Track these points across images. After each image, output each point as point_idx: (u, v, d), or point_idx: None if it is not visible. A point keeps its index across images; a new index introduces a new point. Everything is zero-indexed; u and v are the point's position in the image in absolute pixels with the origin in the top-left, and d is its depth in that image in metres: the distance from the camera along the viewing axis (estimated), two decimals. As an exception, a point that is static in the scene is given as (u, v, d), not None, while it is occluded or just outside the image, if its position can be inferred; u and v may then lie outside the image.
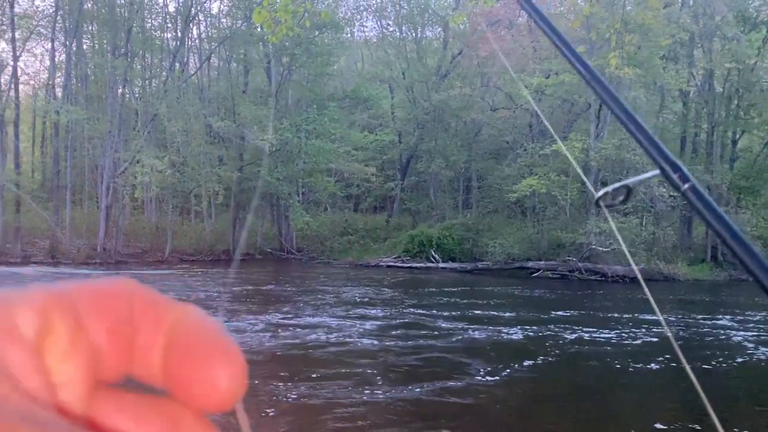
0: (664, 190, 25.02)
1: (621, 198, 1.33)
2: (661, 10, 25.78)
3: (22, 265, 22.36)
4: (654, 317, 13.31)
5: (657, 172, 1.31)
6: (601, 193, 1.31)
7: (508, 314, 13.02)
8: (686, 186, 1.27)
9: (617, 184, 1.33)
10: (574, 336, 10.56)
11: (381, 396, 6.63)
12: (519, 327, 11.32)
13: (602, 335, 10.76)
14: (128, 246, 27.43)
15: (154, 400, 0.24)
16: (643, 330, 11.51)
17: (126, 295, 0.24)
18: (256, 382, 6.84)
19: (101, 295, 0.24)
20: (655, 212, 26.16)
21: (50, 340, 0.22)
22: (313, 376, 7.32)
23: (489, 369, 7.95)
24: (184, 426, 0.23)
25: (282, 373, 7.36)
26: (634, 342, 10.28)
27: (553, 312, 13.57)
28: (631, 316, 13.41)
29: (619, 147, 25.04)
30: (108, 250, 26.04)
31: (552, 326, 11.61)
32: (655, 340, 10.58)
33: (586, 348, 9.66)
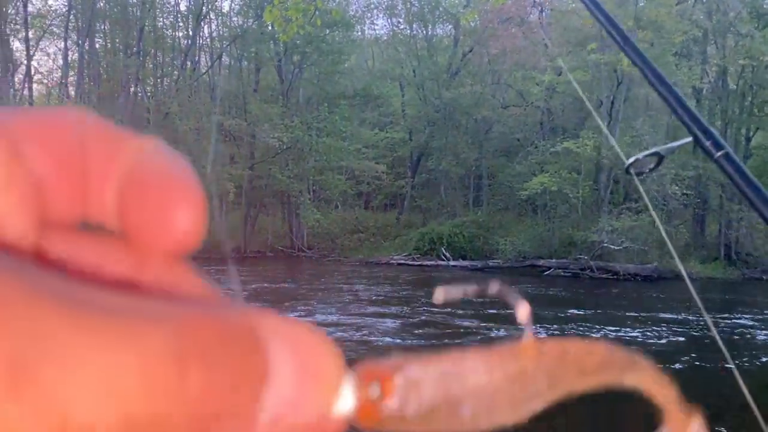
0: (677, 187, 24.86)
1: (651, 166, 1.32)
2: (674, 7, 25.62)
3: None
4: (672, 315, 13.20)
5: (689, 139, 1.29)
6: (632, 160, 1.31)
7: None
8: (719, 153, 1.24)
9: (648, 151, 1.31)
10: (596, 335, 10.46)
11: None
12: (537, 325, 11.24)
13: (625, 334, 10.65)
14: (140, 244, 27.55)
15: (116, 240, 0.22)
16: (664, 328, 11.43)
17: (75, 124, 0.22)
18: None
19: (45, 123, 0.21)
20: (668, 210, 25.97)
21: None
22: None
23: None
24: (155, 265, 0.22)
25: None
26: (658, 341, 10.19)
27: (569, 310, 13.49)
28: (648, 314, 13.32)
29: (631, 144, 24.87)
30: (120, 248, 26.17)
31: (569, 325, 11.54)
32: (678, 339, 10.49)
33: None
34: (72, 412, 0.15)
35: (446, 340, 9.66)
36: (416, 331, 10.51)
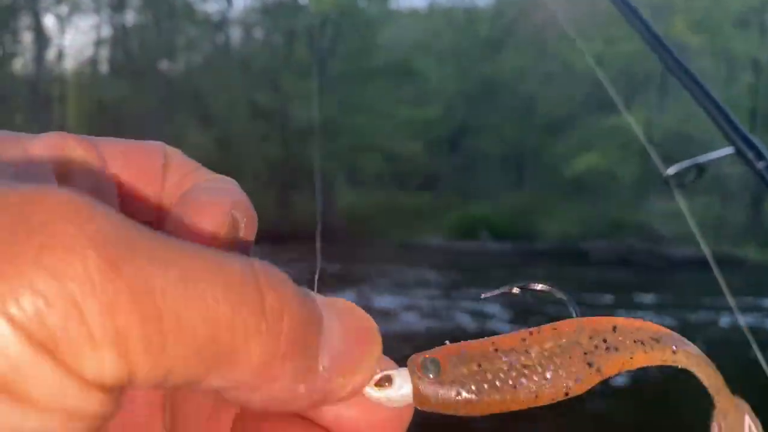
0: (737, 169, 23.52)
1: (691, 177, 1.41)
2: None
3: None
4: (724, 303, 12.21)
5: (731, 149, 1.37)
6: (669, 171, 1.42)
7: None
8: (762, 165, 1.32)
9: (687, 162, 1.41)
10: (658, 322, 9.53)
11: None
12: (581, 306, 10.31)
13: (677, 321, 9.75)
14: (172, 223, 27.36)
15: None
16: (715, 316, 10.50)
17: (158, 152, 0.26)
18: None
19: (134, 150, 0.26)
20: (723, 192, 24.59)
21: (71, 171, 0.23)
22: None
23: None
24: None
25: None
26: (711, 328, 9.28)
27: (617, 295, 12.58)
28: (701, 300, 12.30)
29: (683, 120, 23.60)
30: (152, 228, 25.97)
31: (617, 311, 10.59)
32: (729, 326, 9.54)
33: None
34: (165, 302, 0.18)
35: (484, 323, 8.83)
36: (453, 316, 9.81)
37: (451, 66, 35.58)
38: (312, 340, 0.21)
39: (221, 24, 29.85)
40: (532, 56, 29.82)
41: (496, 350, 0.25)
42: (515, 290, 0.28)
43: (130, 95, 25.97)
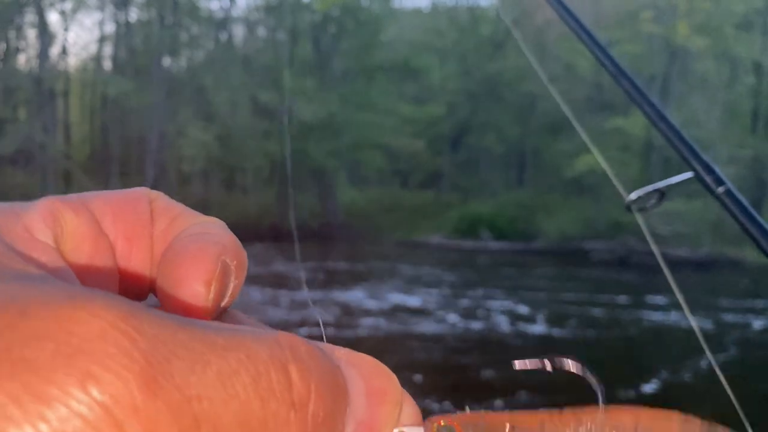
0: (732, 168, 23.61)
1: (653, 202, 1.28)
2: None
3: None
4: (722, 302, 12.38)
5: (690, 174, 1.28)
6: (631, 196, 1.29)
7: (569, 297, 12.15)
8: (721, 189, 1.23)
9: (649, 188, 1.30)
10: (643, 321, 9.68)
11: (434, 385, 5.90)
12: (581, 308, 10.45)
13: (673, 321, 9.88)
14: (174, 219, 27.45)
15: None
16: (714, 315, 10.61)
17: (143, 201, 0.26)
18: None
19: (118, 200, 0.25)
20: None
21: (65, 238, 0.23)
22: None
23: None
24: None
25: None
26: (706, 327, 9.37)
27: (615, 295, 12.68)
28: (699, 301, 12.40)
29: (685, 122, 23.70)
30: (154, 223, 26.08)
31: (615, 311, 10.80)
32: (727, 325, 9.65)
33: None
34: (202, 410, 0.18)
35: (485, 324, 9.00)
36: (454, 315, 9.92)
37: (453, 65, 35.66)
38: (339, 415, 0.21)
39: (224, 21, 29.97)
40: (533, 56, 29.85)
41: (513, 428, 0.24)
42: (548, 367, 0.27)
43: (132, 91, 26.09)
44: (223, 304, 0.27)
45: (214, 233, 0.27)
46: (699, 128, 23.77)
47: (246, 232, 28.77)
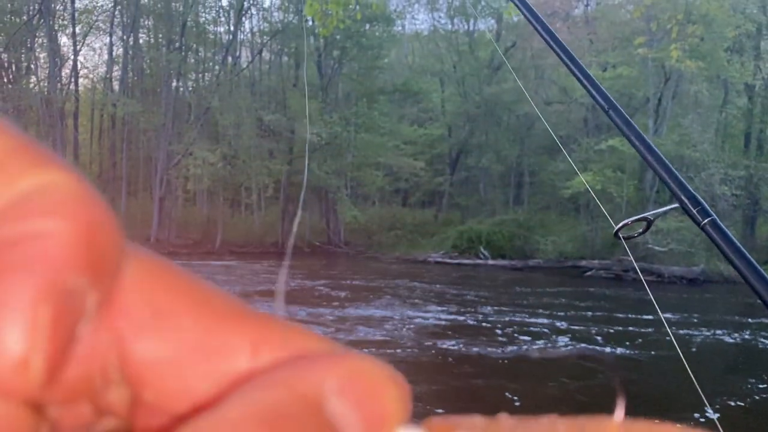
0: (726, 188, 24.01)
1: (640, 230, 1.33)
2: (727, 0, 24.69)
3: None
4: (718, 319, 12.67)
5: (676, 205, 1.31)
6: (620, 225, 1.31)
7: (571, 315, 12.57)
8: (706, 221, 1.25)
9: (636, 217, 1.32)
10: (640, 338, 10.05)
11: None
12: (579, 325, 10.88)
13: (669, 337, 10.24)
14: (180, 237, 27.93)
15: None
16: (710, 332, 10.97)
17: None
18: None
19: None
20: (717, 211, 24.97)
21: None
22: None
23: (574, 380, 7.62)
24: None
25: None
26: (704, 344, 9.77)
27: (612, 313, 13.06)
28: (694, 318, 12.79)
29: (679, 143, 24.15)
30: (161, 241, 26.56)
31: (611, 327, 11.14)
32: (724, 341, 10.04)
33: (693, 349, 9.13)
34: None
35: (486, 341, 9.41)
36: (454, 331, 10.29)
37: (452, 87, 36.29)
38: None
39: (231, 45, 30.69)
40: (531, 79, 30.56)
41: None
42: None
43: (140, 112, 26.72)
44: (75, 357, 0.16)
45: (38, 241, 0.15)
46: (693, 149, 24.15)
47: (251, 249, 29.15)
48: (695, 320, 12.82)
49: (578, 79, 1.66)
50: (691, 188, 1.33)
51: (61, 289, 0.15)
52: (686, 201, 1.31)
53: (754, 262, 1.20)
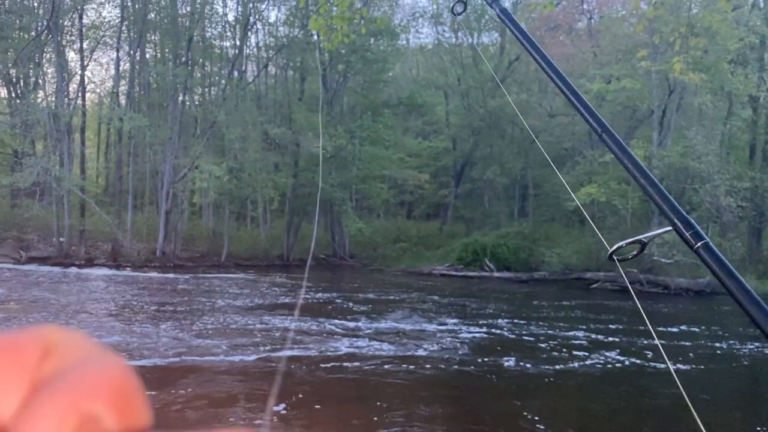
0: (731, 199, 23.96)
1: (634, 252, 1.34)
2: (730, 13, 24.75)
3: (87, 267, 23.09)
4: (724, 331, 12.62)
5: (669, 228, 1.32)
6: (615, 247, 1.32)
7: (577, 326, 12.55)
8: (699, 244, 1.26)
9: (631, 239, 1.33)
10: (646, 351, 10.02)
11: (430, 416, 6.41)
12: (582, 335, 10.87)
13: (676, 350, 10.21)
14: (186, 250, 28.02)
15: None
16: (716, 345, 10.93)
17: (33, 346, 0.22)
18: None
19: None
20: (722, 222, 25.00)
21: None
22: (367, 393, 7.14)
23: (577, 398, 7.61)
24: None
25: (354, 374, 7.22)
26: (711, 358, 9.73)
27: (617, 325, 13.01)
28: (700, 330, 12.74)
29: (683, 155, 24.12)
30: (167, 254, 26.65)
31: (617, 339, 11.11)
32: (731, 353, 10.00)
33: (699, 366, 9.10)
34: None
35: (490, 353, 9.40)
36: (458, 344, 10.27)
37: (457, 100, 36.42)
38: None
39: (236, 59, 30.90)
40: (534, 93, 30.69)
41: None
42: None
43: (147, 126, 26.86)
44: None
45: (87, 374, 0.21)
46: (697, 161, 24.11)
47: (257, 262, 29.14)
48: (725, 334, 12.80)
49: (572, 103, 1.70)
50: (683, 212, 1.35)
51: (91, 410, 0.20)
52: (679, 224, 1.33)
53: (746, 285, 1.22)
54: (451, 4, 2.29)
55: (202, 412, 5.99)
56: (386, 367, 8.28)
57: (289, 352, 9.23)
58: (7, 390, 0.20)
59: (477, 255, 27.09)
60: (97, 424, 0.20)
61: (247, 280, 20.57)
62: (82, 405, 0.20)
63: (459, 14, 2.33)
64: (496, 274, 25.61)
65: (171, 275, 21.25)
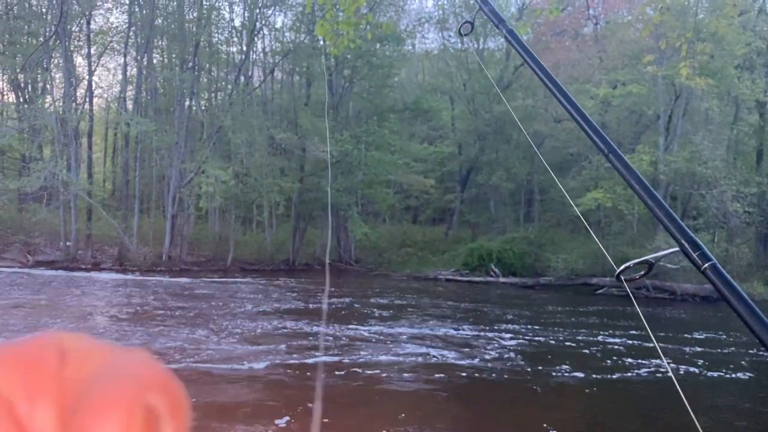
0: (738, 205, 23.85)
1: (642, 273, 1.34)
2: (736, 18, 24.70)
3: (93, 271, 23.17)
4: (732, 338, 12.56)
5: (676, 249, 1.32)
6: (622, 268, 1.33)
7: (583, 334, 12.52)
8: (706, 265, 1.26)
9: (638, 260, 1.33)
10: (653, 357, 9.99)
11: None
12: (589, 340, 10.83)
13: (684, 356, 10.17)
14: (192, 254, 28.08)
15: None
16: (724, 351, 10.89)
17: (50, 348, 0.22)
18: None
19: (20, 355, 0.21)
20: (729, 228, 24.88)
21: None
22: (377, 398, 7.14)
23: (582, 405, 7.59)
24: None
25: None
26: (717, 363, 9.69)
27: (624, 331, 12.97)
28: (707, 336, 12.68)
29: (689, 160, 24.05)
30: (173, 258, 26.71)
31: (623, 345, 11.07)
32: (737, 360, 9.96)
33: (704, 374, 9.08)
34: None
35: (497, 359, 9.39)
36: (466, 349, 10.26)
37: (462, 105, 36.43)
38: None
39: (243, 65, 31.02)
40: (540, 98, 30.66)
41: None
42: None
43: (154, 131, 26.95)
44: None
45: (132, 369, 0.21)
46: (704, 166, 24.03)
47: (262, 267, 29.20)
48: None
49: (579, 124, 1.70)
50: (690, 232, 1.35)
51: (151, 403, 0.21)
52: (686, 245, 1.32)
53: (754, 305, 1.21)
54: (459, 26, 2.32)
55: (242, 414, 5.99)
56: (423, 375, 8.28)
57: (324, 358, 9.21)
58: (39, 400, 0.20)
59: (483, 260, 27.04)
60: (157, 417, 0.20)
61: (258, 284, 20.60)
62: (142, 398, 0.20)
63: (466, 35, 2.37)
64: (502, 280, 25.56)
65: (183, 279, 21.33)
